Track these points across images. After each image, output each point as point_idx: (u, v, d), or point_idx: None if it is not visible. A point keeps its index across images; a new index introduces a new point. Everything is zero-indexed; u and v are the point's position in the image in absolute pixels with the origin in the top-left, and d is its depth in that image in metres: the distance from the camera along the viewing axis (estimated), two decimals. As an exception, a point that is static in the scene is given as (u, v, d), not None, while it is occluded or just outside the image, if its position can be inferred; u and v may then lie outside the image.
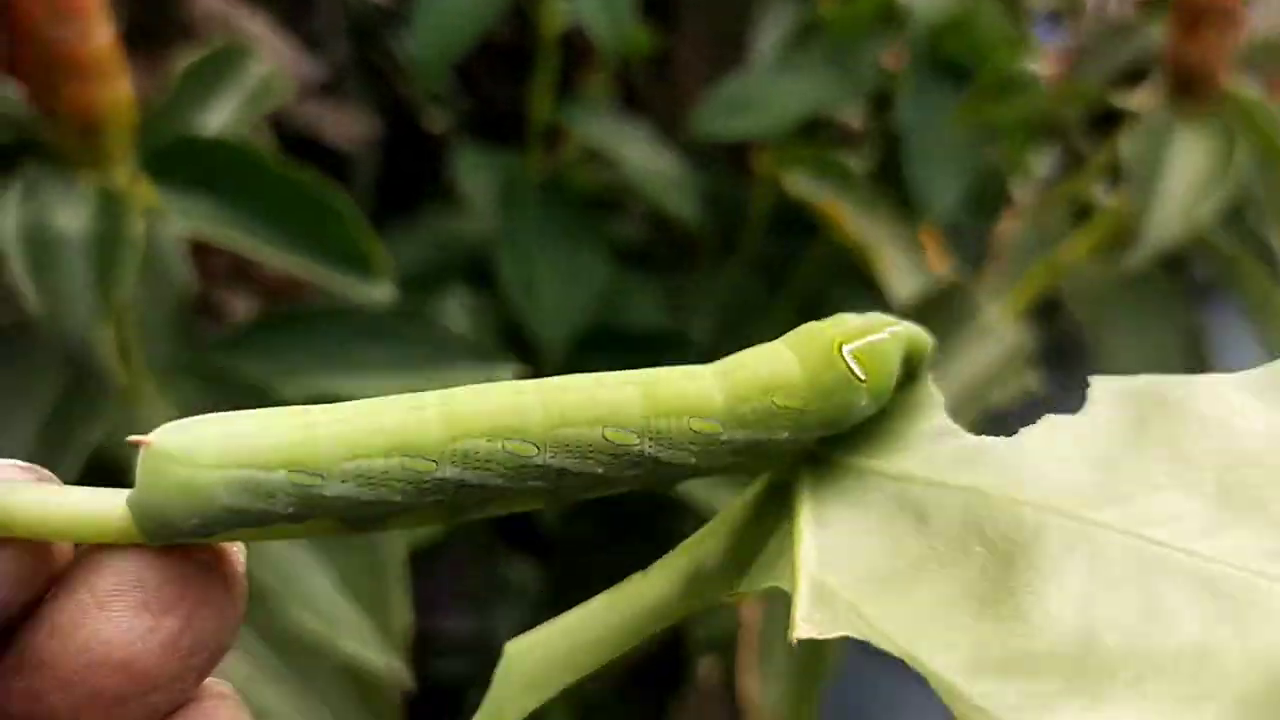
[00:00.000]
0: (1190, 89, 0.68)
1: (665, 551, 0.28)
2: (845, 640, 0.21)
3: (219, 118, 0.60)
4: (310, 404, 0.24)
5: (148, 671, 0.21)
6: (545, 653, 0.27)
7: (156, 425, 0.22)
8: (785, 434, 0.25)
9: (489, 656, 1.03)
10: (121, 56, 0.53)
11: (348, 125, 0.97)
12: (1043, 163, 1.18)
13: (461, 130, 1.24)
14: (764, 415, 0.25)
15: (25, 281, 0.48)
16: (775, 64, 0.99)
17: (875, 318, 0.27)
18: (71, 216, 0.50)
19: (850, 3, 0.99)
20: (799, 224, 1.03)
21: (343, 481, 0.23)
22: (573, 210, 0.98)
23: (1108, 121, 1.15)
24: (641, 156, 0.97)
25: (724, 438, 0.25)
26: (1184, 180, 0.65)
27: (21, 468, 0.23)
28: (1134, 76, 0.97)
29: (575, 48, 1.16)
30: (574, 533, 1.16)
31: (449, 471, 0.23)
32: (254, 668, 0.73)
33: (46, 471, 0.23)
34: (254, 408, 0.23)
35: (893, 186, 0.91)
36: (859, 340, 0.26)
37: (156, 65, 0.68)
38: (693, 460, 0.25)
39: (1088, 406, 0.23)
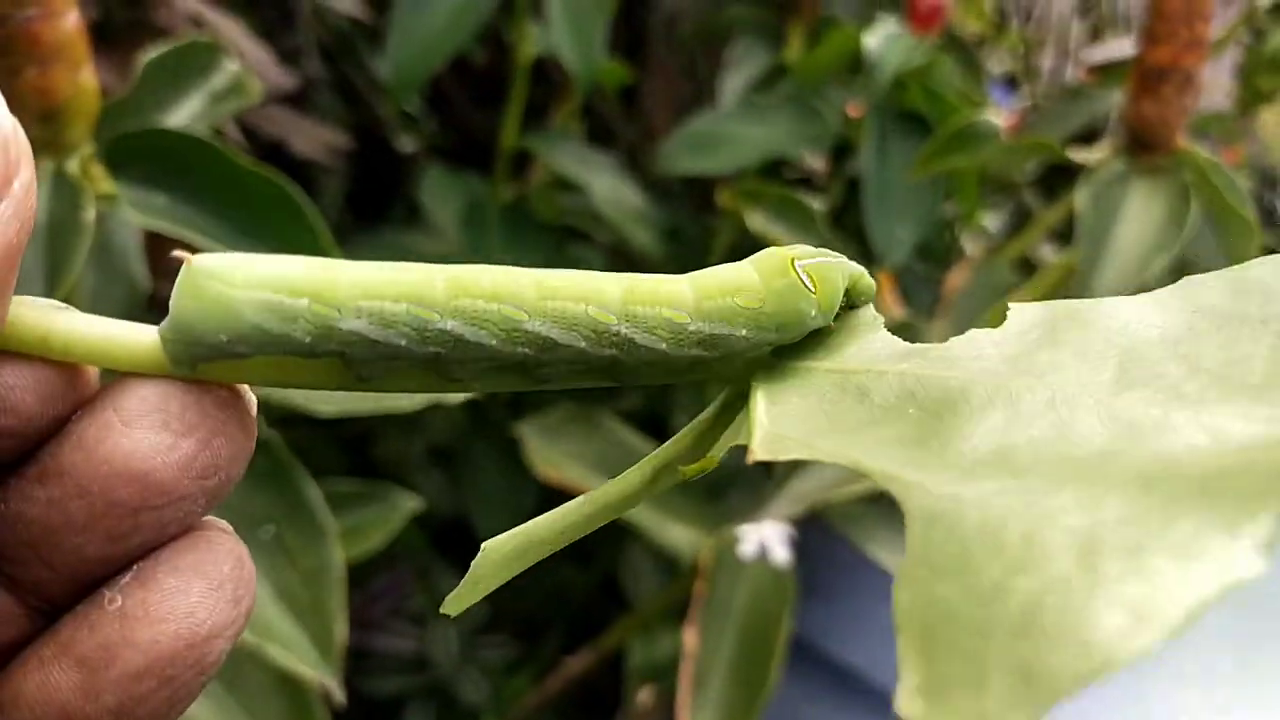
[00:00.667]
0: (1147, 146, 0.71)
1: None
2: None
3: (184, 114, 0.60)
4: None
5: (163, 486, 0.23)
6: (520, 540, 0.29)
7: None
8: (744, 330, 0.29)
9: (426, 676, 1.01)
10: (86, 43, 0.52)
11: (318, 137, 0.96)
12: (994, 219, 1.21)
13: (430, 151, 1.24)
14: (726, 311, 0.28)
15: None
16: (741, 106, 1.01)
17: (826, 252, 0.30)
18: (26, 200, 0.49)
19: (815, 50, 1.01)
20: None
21: (357, 317, 0.25)
22: (536, 235, 0.99)
23: (1057, 183, 1.18)
24: (607, 187, 0.98)
25: (692, 327, 0.28)
26: (1137, 235, 0.67)
27: (58, 305, 0.25)
28: (1086, 139, 1.00)
29: (549, 77, 1.17)
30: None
31: (450, 324, 0.26)
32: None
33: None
34: None
35: (851, 230, 0.93)
36: (809, 259, 0.29)
37: (128, 64, 0.68)
38: (663, 346, 0.28)
39: (1006, 323, 0.26)
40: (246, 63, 0.73)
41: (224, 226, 0.54)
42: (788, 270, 0.29)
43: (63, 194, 0.50)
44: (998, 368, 0.25)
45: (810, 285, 0.29)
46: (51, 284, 0.48)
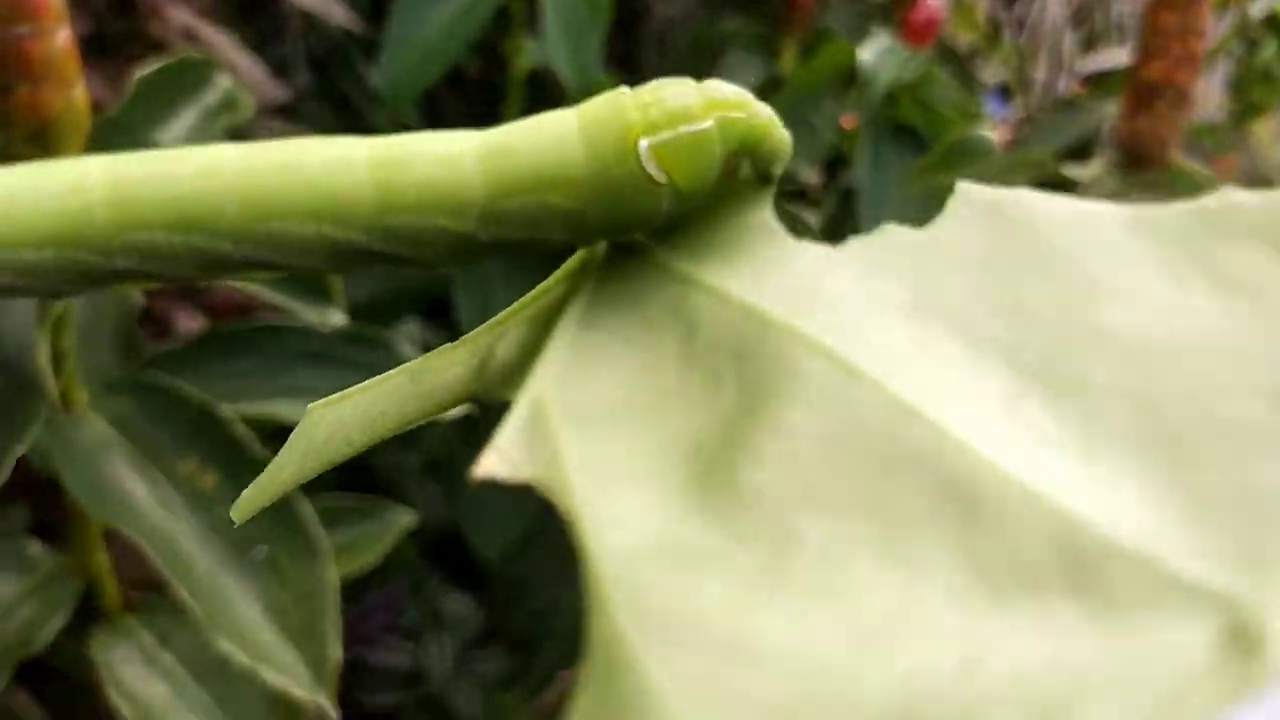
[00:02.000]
0: (1140, 162, 0.71)
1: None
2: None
3: (176, 131, 0.60)
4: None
5: None
6: (347, 413, 0.22)
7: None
8: (560, 234, 0.21)
9: (421, 691, 1.02)
10: (78, 61, 0.52)
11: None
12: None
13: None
14: (533, 214, 0.21)
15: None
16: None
17: (708, 93, 0.21)
18: (17, 219, 0.49)
19: (809, 63, 1.01)
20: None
21: None
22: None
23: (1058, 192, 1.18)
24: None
25: (483, 237, 0.21)
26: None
27: None
28: (1079, 152, 1.00)
29: (544, 89, 1.17)
30: (510, 567, 1.15)
31: (121, 264, 0.20)
32: (172, 693, 0.71)
33: None
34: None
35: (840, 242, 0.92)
36: (667, 131, 0.20)
37: (117, 76, 0.68)
38: (445, 257, 0.21)
39: (942, 217, 0.20)
40: (239, 77, 0.72)
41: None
42: (627, 155, 0.20)
43: (54, 213, 0.49)
44: (875, 326, 0.18)
45: (661, 174, 0.20)
46: (39, 306, 0.48)
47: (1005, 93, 1.37)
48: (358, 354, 0.66)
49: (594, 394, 0.19)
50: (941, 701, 0.13)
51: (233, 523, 0.58)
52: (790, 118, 0.75)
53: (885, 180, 0.89)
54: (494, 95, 1.12)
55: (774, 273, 0.20)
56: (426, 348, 0.87)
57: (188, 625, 0.72)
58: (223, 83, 0.64)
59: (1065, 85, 1.32)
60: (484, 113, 1.24)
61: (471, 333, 0.23)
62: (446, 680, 1.15)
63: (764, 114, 0.22)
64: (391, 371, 0.22)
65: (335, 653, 0.59)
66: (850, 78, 1.04)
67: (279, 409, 0.60)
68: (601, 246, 0.22)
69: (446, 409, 0.22)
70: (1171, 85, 0.69)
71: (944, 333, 0.18)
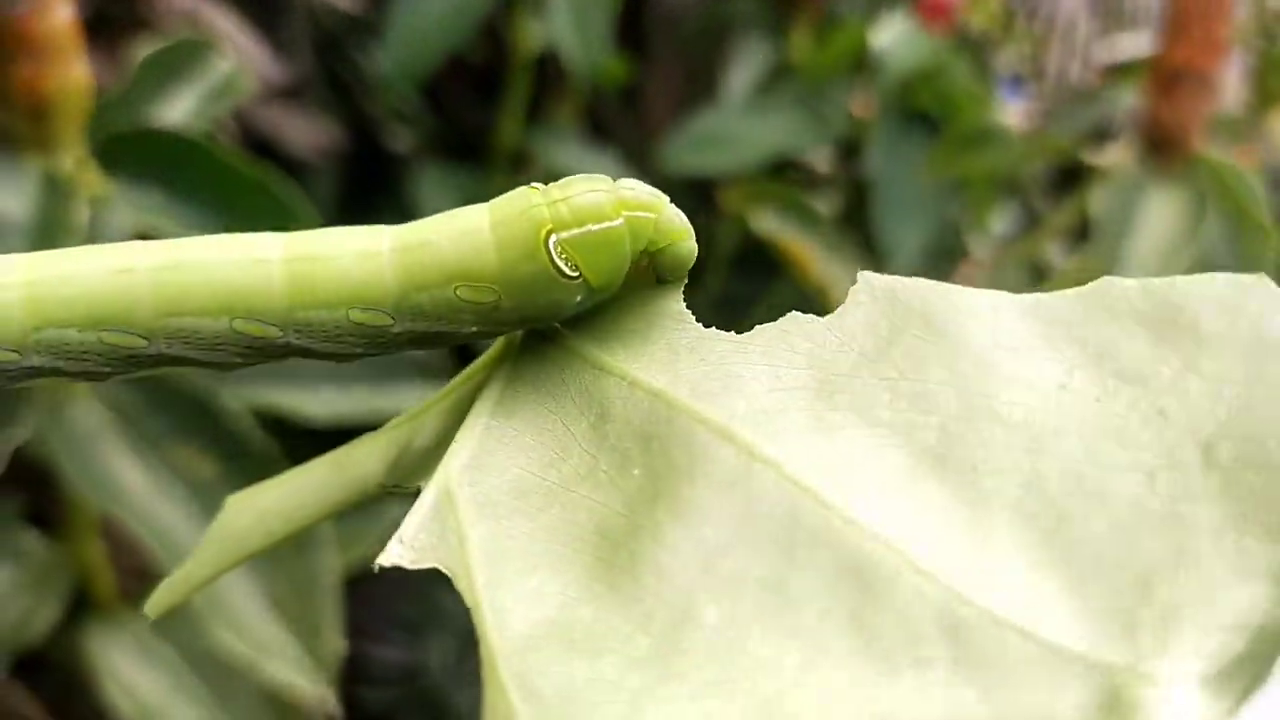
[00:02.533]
0: (1163, 150, 0.69)
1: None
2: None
3: (177, 111, 0.58)
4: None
5: None
6: (268, 503, 0.23)
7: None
8: (474, 327, 0.21)
9: (420, 686, 1.00)
10: (78, 39, 0.50)
11: (311, 133, 0.95)
12: (1000, 221, 1.19)
13: (424, 149, 1.22)
14: (445, 307, 0.21)
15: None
16: (745, 104, 0.99)
17: (619, 193, 0.21)
18: (13, 199, 0.47)
19: (822, 49, 0.99)
20: (762, 264, 1.03)
21: None
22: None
23: (1067, 185, 1.16)
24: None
25: (395, 329, 0.21)
26: (1153, 239, 0.65)
27: None
28: (1096, 139, 0.99)
29: (547, 74, 1.15)
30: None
31: (35, 360, 0.20)
32: (173, 686, 0.70)
33: None
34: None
35: (856, 231, 0.91)
36: (575, 228, 0.21)
37: (119, 58, 0.66)
38: (359, 350, 0.21)
39: (845, 305, 0.20)
40: (240, 58, 0.71)
41: (218, 225, 0.53)
42: (536, 251, 0.20)
43: (53, 193, 0.48)
44: (778, 409, 0.19)
45: (571, 269, 0.21)
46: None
47: (1018, 81, 1.35)
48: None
49: (502, 479, 0.20)
50: None
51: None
52: (801, 104, 0.73)
53: (899, 168, 0.87)
54: (497, 81, 1.10)
55: (683, 359, 0.20)
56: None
57: (186, 617, 0.71)
58: (223, 65, 0.62)
59: (1079, 74, 1.30)
60: (486, 99, 1.23)
61: (391, 422, 0.23)
62: (446, 675, 1.14)
63: (674, 218, 0.22)
64: (313, 461, 0.23)
65: (336, 644, 0.58)
66: (860, 63, 1.02)
67: (281, 398, 0.59)
68: (517, 335, 0.22)
69: (361, 498, 0.22)
70: (1195, 71, 0.68)
71: (846, 417, 0.18)
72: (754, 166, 0.94)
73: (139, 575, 0.77)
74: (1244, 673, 0.13)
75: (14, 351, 0.20)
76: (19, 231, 0.47)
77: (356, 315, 0.20)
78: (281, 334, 0.20)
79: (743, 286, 1.10)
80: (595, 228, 0.21)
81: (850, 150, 1.02)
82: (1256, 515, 0.15)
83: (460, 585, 0.18)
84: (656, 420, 0.19)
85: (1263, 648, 0.14)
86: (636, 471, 0.19)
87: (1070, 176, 1.11)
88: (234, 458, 0.56)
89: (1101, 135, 0.99)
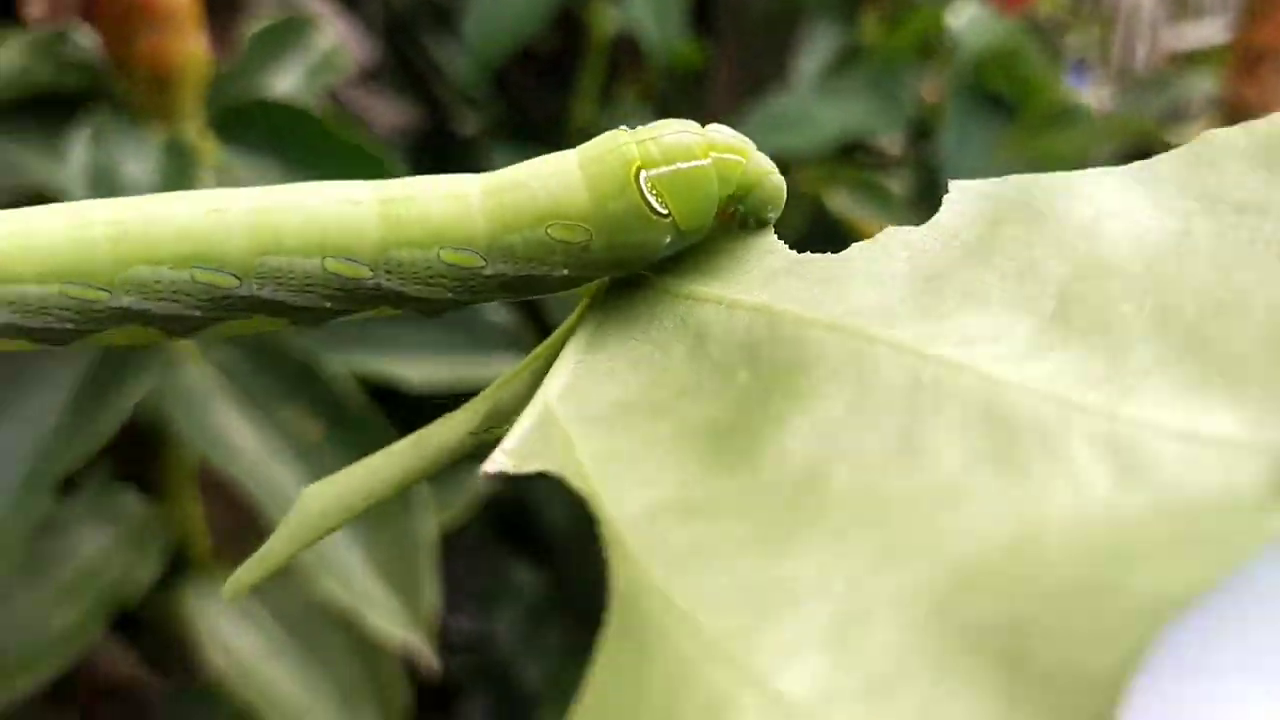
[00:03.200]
0: (1245, 129, 0.69)
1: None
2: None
3: (284, 85, 0.61)
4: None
5: None
6: (342, 488, 0.23)
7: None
8: (564, 270, 0.21)
9: (488, 656, 1.02)
10: (199, 14, 0.53)
11: (390, 114, 0.97)
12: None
13: (491, 132, 1.24)
14: (537, 248, 0.21)
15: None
16: (817, 86, 1.00)
17: (707, 136, 0.22)
18: (139, 165, 0.50)
19: (895, 32, 1.00)
20: (830, 244, 1.03)
21: None
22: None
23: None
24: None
25: (487, 272, 0.21)
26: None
27: None
28: (1168, 123, 0.98)
29: (613, 59, 1.17)
30: (577, 534, 1.16)
31: (126, 301, 0.20)
32: (266, 644, 0.72)
33: None
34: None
35: (928, 212, 0.92)
36: (664, 166, 0.21)
37: (225, 33, 0.69)
38: (448, 296, 0.21)
39: (940, 213, 0.20)
40: (336, 39, 0.73)
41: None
42: (627, 188, 0.20)
43: (177, 160, 0.50)
44: (888, 304, 0.18)
45: (661, 206, 0.21)
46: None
47: (1082, 66, 1.35)
48: (454, 315, 0.66)
49: (602, 399, 0.19)
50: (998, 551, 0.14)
51: (333, 470, 0.58)
52: (872, 87, 0.75)
53: (971, 148, 0.88)
54: (560, 67, 1.12)
55: (781, 279, 0.20)
56: (512, 307, 0.87)
57: (280, 576, 0.73)
58: (324, 42, 0.64)
59: (1147, 60, 1.29)
60: (550, 84, 1.24)
61: (473, 399, 0.23)
62: (513, 648, 1.16)
63: (762, 162, 0.22)
64: (395, 445, 0.23)
65: (431, 597, 0.60)
66: (929, 48, 1.03)
67: (382, 365, 0.61)
68: (601, 286, 0.22)
69: (444, 465, 0.23)
70: (1276, 50, 0.68)
71: (958, 303, 0.18)
72: (825, 148, 0.95)
73: (234, 536, 0.80)
74: None
75: (103, 290, 0.20)
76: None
77: (448, 255, 0.20)
78: (372, 274, 0.20)
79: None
80: (684, 166, 0.21)
81: (920, 133, 1.03)
82: None
83: (572, 482, 0.17)
84: (759, 332, 0.19)
85: None
86: (742, 378, 0.19)
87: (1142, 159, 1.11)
88: (338, 420, 0.58)
89: (1172, 121, 0.98)
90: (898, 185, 0.93)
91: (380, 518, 0.59)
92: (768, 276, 0.21)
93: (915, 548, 0.14)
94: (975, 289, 0.18)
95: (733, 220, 0.22)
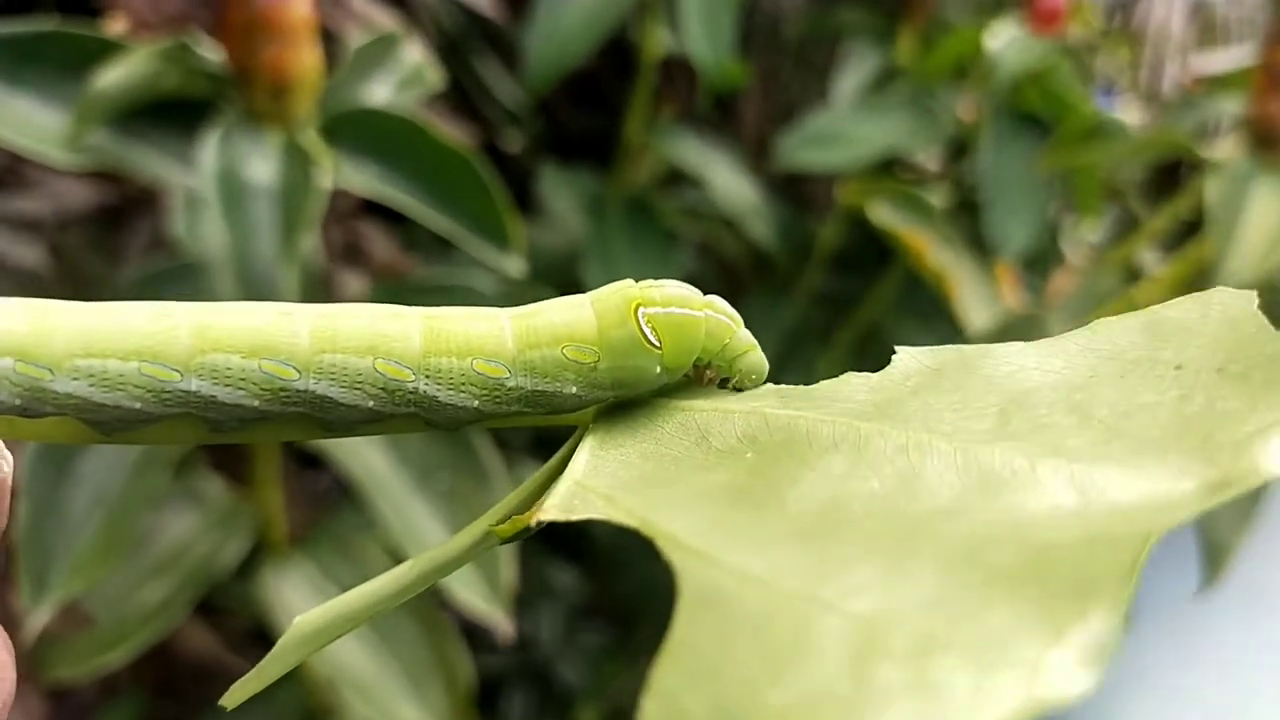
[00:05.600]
0: (1271, 143, 0.73)
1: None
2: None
3: (378, 96, 0.65)
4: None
5: None
6: (333, 616, 0.25)
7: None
8: (574, 388, 0.25)
9: (530, 656, 1.06)
10: (314, 28, 0.57)
11: (450, 130, 1.02)
12: (1094, 226, 1.23)
13: (537, 150, 1.29)
14: (553, 365, 0.24)
15: (218, 221, 0.52)
16: (857, 105, 1.05)
17: (707, 298, 0.26)
18: (262, 166, 0.54)
19: (933, 52, 1.05)
20: (862, 260, 1.08)
21: (74, 378, 0.22)
22: (655, 228, 1.03)
23: (1163, 191, 1.20)
24: (727, 181, 1.02)
25: (510, 384, 0.24)
26: (1262, 226, 0.70)
27: None
28: (1199, 140, 1.02)
29: (663, 85, 1.22)
30: (617, 543, 1.19)
31: (195, 385, 0.23)
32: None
33: None
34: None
35: (966, 226, 0.96)
36: (660, 308, 0.25)
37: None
38: (475, 404, 0.24)
39: (889, 367, 0.24)
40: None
41: (423, 193, 0.59)
42: (628, 318, 0.25)
43: (295, 162, 0.55)
44: (860, 410, 0.22)
45: (654, 339, 0.25)
46: (287, 244, 0.53)
47: (1109, 88, 1.39)
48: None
49: (624, 477, 0.22)
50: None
51: (420, 454, 0.63)
52: (910, 105, 0.80)
53: (1009, 165, 0.92)
54: (600, 91, 1.15)
55: (765, 395, 0.25)
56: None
57: (348, 558, 0.77)
58: (412, 58, 0.69)
59: (1172, 82, 1.33)
60: (592, 105, 1.29)
61: (468, 527, 0.25)
62: (554, 648, 1.19)
63: (748, 337, 0.26)
64: (390, 572, 0.25)
65: (509, 574, 0.64)
66: (963, 68, 1.07)
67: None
68: (602, 405, 0.26)
69: (438, 579, 0.25)
70: (1301, 69, 0.72)
71: (917, 415, 0.22)
72: (865, 164, 0.99)
73: (308, 523, 0.84)
74: None
75: (175, 371, 0.22)
76: (267, 194, 0.54)
77: (479, 365, 0.24)
78: (414, 377, 0.24)
79: (844, 284, 1.15)
80: (678, 311, 0.25)
81: (958, 151, 1.07)
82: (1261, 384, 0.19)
83: (619, 521, 0.20)
84: (755, 426, 0.23)
85: None
86: (749, 456, 0.22)
87: (1167, 181, 1.14)
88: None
89: (1200, 139, 1.02)
90: (936, 200, 0.97)
91: (461, 496, 0.64)
92: (747, 396, 0.25)
93: (935, 534, 0.17)
94: (929, 409, 0.22)
95: (701, 380, 0.27)
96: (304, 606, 0.78)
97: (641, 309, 0.25)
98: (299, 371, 0.23)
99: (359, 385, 0.23)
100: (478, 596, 0.61)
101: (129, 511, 0.59)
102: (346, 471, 0.62)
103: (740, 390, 0.26)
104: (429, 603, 0.74)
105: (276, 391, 0.23)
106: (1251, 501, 0.72)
